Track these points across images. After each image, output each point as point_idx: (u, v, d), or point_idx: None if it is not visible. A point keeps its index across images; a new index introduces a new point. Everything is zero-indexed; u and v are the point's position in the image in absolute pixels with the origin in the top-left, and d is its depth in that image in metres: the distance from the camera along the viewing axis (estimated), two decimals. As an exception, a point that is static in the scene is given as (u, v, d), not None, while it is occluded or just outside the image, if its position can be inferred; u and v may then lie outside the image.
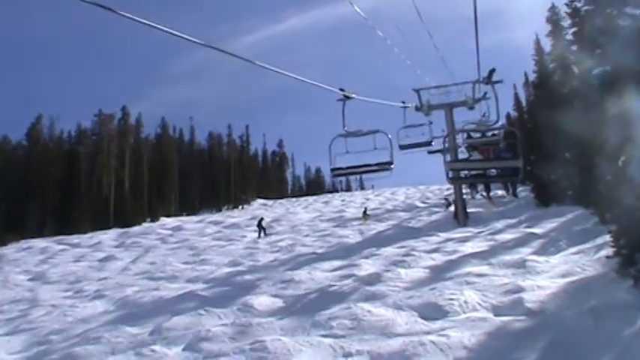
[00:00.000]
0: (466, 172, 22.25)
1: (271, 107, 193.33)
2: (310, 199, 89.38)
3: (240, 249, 32.38)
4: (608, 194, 25.89)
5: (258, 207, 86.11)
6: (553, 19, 42.07)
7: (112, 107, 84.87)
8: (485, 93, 31.05)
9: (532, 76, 47.16)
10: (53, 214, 69.37)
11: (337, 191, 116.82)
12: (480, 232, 28.76)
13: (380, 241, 29.28)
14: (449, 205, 40.66)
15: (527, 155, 42.51)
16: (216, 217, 55.07)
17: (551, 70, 41.42)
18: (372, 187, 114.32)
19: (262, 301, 18.17)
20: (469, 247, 24.00)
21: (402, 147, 33.16)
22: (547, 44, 41.97)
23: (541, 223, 29.38)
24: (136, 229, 48.48)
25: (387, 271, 20.33)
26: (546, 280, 17.17)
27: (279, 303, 17.87)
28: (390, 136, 19.45)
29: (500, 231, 28.46)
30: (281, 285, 20.31)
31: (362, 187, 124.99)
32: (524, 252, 22.06)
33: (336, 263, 23.71)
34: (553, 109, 37.55)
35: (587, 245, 21.23)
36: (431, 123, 34.87)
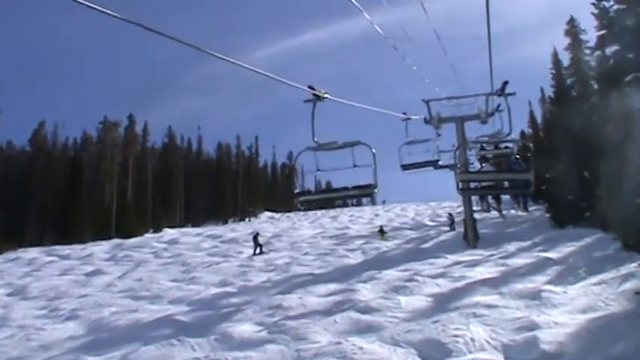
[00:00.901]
0: (477, 183, 23.08)
1: (283, 120, 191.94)
2: (319, 213, 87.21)
3: (233, 267, 30.38)
4: (632, 218, 24.03)
5: (265, 220, 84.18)
6: (572, 31, 40.18)
7: (121, 116, 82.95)
8: (499, 105, 29.08)
9: (549, 91, 44.99)
10: (54, 223, 67.69)
11: (347, 206, 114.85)
12: (490, 256, 26.62)
13: (382, 262, 27.20)
14: (452, 222, 38.33)
15: (542, 173, 41.06)
16: (216, 230, 53.07)
17: (569, 85, 39.51)
18: (384, 202, 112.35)
19: (244, 330, 16.22)
20: (478, 273, 21.89)
21: (405, 167, 31.36)
22: (565, 58, 40.03)
23: (557, 247, 27.22)
24: (131, 241, 46.55)
25: (387, 298, 18.31)
26: (564, 316, 15.14)
27: (261, 333, 15.87)
28: (374, 150, 14.12)
29: (512, 254, 26.31)
30: (268, 311, 18.35)
31: (373, 202, 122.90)
32: (538, 280, 19.98)
33: (332, 287, 21.68)
34: (571, 125, 35.71)
35: (609, 275, 19.10)
36: (439, 135, 33.19)
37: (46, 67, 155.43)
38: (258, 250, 34.40)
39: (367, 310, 17.16)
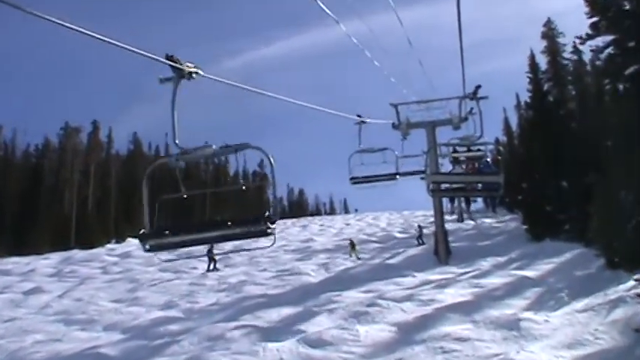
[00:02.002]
0: (447, 185, 22.45)
1: (254, 130, 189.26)
2: (289, 222, 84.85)
3: (183, 285, 27.76)
4: (617, 232, 21.93)
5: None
6: (549, 33, 38.33)
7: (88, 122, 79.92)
8: (472, 109, 27.17)
9: (525, 97, 43.06)
10: (12, 232, 64.36)
11: (320, 214, 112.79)
12: (463, 274, 24.38)
13: (345, 281, 24.76)
14: (420, 235, 35.80)
15: (518, 182, 39.14)
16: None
17: (547, 90, 37.58)
18: (356, 210, 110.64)
19: (173, 368, 13.74)
20: (449, 296, 19.54)
21: (355, 180, 26.26)
22: (542, 62, 38.13)
23: (535, 263, 25.09)
24: (81, 254, 43.64)
25: (344, 328, 15.89)
26: (547, 352, 13.07)
27: (190, 375, 13.41)
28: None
29: (487, 273, 24.07)
30: (206, 343, 15.88)
31: (346, 211, 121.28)
32: (516, 305, 17.73)
33: (286, 311, 19.24)
34: (549, 131, 33.90)
35: (596, 300, 16.93)
36: (404, 139, 29.62)
37: (8, 71, 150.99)
38: (212, 266, 31.77)
39: (319, 343, 14.80)
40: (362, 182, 26.22)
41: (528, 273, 22.75)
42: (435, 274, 24.70)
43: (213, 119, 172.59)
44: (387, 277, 24.34)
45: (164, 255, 8.73)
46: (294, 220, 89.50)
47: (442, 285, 21.88)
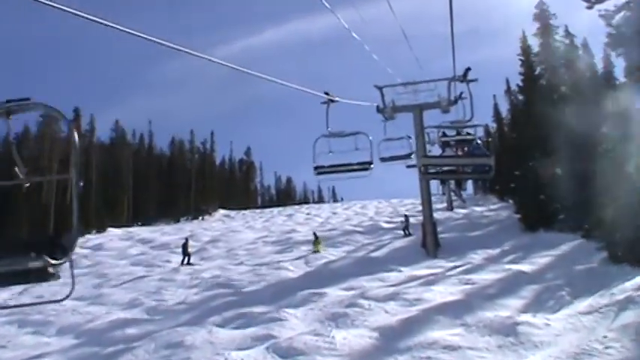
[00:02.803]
0: (439, 168, 23.30)
1: (242, 117, 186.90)
2: (275, 210, 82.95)
3: (153, 281, 25.68)
4: (620, 222, 20.23)
5: (219, 218, 79.62)
6: (542, 15, 36.47)
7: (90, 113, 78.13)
8: (462, 93, 25.81)
9: (515, 81, 41.33)
10: (-13, 224, 62.21)
11: (308, 202, 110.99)
12: (452, 268, 22.60)
13: (325, 277, 22.85)
14: (406, 226, 34.21)
15: (510, 170, 37.49)
16: (150, 233, 48.01)
17: (539, 73, 35.84)
18: (342, 199, 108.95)
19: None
20: (437, 294, 17.74)
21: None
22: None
23: (530, 257, 23.44)
24: (51, 246, 41.58)
25: (318, 334, 14.05)
26: (552, 363, 11.23)
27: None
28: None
29: (478, 267, 22.30)
30: (164, 351, 14.03)
31: (335, 199, 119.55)
32: (512, 305, 15.98)
33: (257, 312, 17.36)
34: (542, 115, 32.23)
35: (601, 300, 15.17)
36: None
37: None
38: (186, 260, 29.83)
39: (290, 352, 13.00)
40: (328, 172, 22.84)
41: (523, 267, 21.07)
42: (422, 269, 22.91)
43: (201, 108, 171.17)
44: (370, 272, 22.47)
45: None
46: (280, 208, 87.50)
47: (430, 282, 20.08)
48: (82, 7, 5.79)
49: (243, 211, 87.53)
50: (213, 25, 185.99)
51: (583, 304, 15.14)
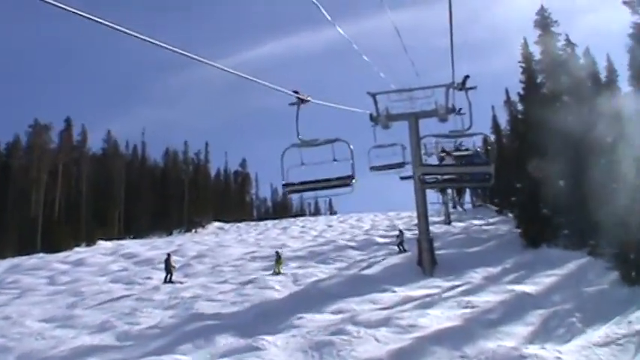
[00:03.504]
0: (437, 176, 22.19)
1: (237, 129, 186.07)
2: (270, 223, 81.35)
3: (130, 300, 23.88)
4: (633, 239, 18.69)
5: (213, 231, 78.03)
6: (543, 22, 35.01)
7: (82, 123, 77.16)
8: (460, 109, 24.46)
9: (514, 91, 40.02)
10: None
11: (304, 215, 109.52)
12: (450, 289, 20.91)
13: (313, 297, 21.04)
14: (401, 242, 32.49)
15: (510, 182, 36.01)
16: (139, 247, 45.95)
17: (540, 81, 34.39)
18: (335, 213, 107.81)
19: None
20: (434, 319, 16.04)
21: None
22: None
23: (534, 275, 21.82)
24: (31, 261, 39.37)
25: (299, 368, 12.37)
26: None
27: None
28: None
29: (478, 288, 20.60)
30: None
31: (331, 211, 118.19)
32: (517, 333, 14.34)
33: (234, 341, 15.67)
34: (543, 125, 30.75)
35: (618, 329, 13.59)
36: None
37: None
38: (168, 277, 28.06)
39: (265, 391, 11.27)
40: (300, 190, 18.68)
41: (527, 288, 19.44)
42: (417, 289, 21.20)
43: (197, 119, 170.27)
44: (362, 293, 20.70)
45: None
46: (275, 221, 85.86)
47: (426, 304, 18.35)
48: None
49: (238, 224, 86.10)
50: (212, 38, 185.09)
51: (597, 333, 13.51)
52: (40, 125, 72.14)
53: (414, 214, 29.04)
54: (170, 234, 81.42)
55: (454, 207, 68.89)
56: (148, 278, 29.29)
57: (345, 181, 16.94)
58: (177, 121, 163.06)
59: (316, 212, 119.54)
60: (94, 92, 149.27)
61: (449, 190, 50.74)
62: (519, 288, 19.47)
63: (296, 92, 13.39)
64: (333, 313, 18.30)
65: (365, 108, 26.96)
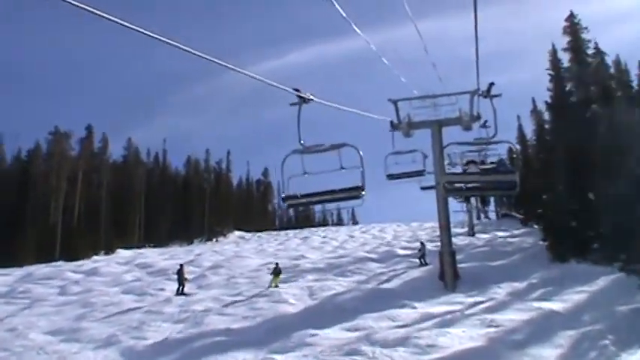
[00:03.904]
0: (462, 185, 21.38)
1: (260, 138, 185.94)
2: (291, 233, 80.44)
3: (139, 313, 23.02)
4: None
5: (234, 240, 77.38)
6: (573, 29, 33.86)
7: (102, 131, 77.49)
8: (486, 121, 23.61)
9: (541, 100, 39.06)
10: (-1, 243, 60.16)
11: (326, 224, 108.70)
12: (473, 305, 19.83)
13: (329, 312, 20.08)
14: (423, 255, 31.21)
15: (537, 194, 34.87)
16: (158, 256, 45.22)
17: (569, 89, 33.22)
18: (357, 223, 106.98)
19: None
20: (455, 339, 15.02)
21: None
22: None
23: (562, 292, 20.64)
24: (44, 270, 38.71)
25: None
26: None
27: None
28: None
29: (503, 305, 19.46)
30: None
31: (354, 221, 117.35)
32: (546, 356, 13.38)
33: (241, 358, 14.74)
34: (573, 135, 29.74)
35: (656, 354, 12.37)
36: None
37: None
38: (180, 289, 27.16)
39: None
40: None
41: (555, 306, 18.32)
42: (438, 305, 20.12)
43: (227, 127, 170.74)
44: (380, 308, 19.66)
45: None
46: (296, 231, 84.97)
47: (447, 322, 17.29)
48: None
49: (259, 233, 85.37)
50: (235, 47, 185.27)
51: (633, 358, 12.39)
52: (60, 132, 71.96)
53: (437, 225, 27.94)
54: (191, 243, 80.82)
55: (478, 217, 67.63)
56: (161, 289, 28.42)
57: (353, 193, 14.42)
58: (200, 129, 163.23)
59: (339, 222, 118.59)
60: (117, 101, 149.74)
61: (472, 200, 49.46)
62: (546, 305, 18.38)
63: (297, 90, 11.35)
64: (348, 330, 17.32)
65: (388, 117, 26.02)
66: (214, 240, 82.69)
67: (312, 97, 11.77)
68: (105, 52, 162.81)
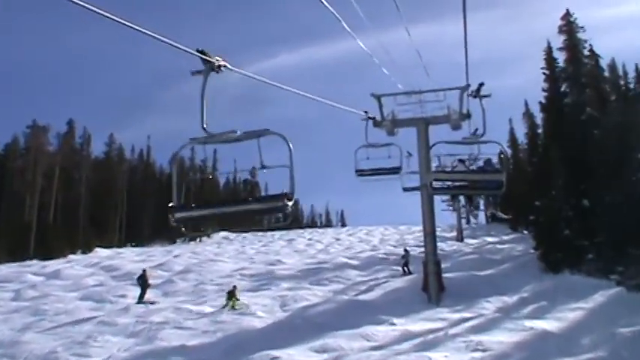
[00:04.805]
0: (449, 183, 21.65)
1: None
2: (277, 234, 78.55)
3: (92, 324, 20.78)
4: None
5: (218, 241, 75.38)
6: (568, 28, 32.21)
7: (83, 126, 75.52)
8: (476, 129, 21.90)
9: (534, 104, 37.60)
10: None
11: (315, 226, 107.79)
12: (459, 323, 17.83)
13: (297, 328, 17.98)
14: (406, 263, 29.46)
15: (529, 200, 33.21)
16: (126, 258, 43.29)
17: (564, 91, 31.57)
18: (345, 225, 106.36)
19: None
20: (436, 365, 12.99)
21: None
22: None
23: (555, 308, 18.87)
24: (3, 272, 36.56)
25: None
26: None
27: None
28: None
29: (491, 323, 17.50)
30: None
31: (343, 223, 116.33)
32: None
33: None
34: (568, 138, 28.29)
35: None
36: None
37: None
38: (142, 296, 24.95)
39: None
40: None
41: (549, 325, 16.46)
42: (420, 322, 18.11)
43: (212, 125, 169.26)
44: (355, 324, 17.56)
45: None
46: (283, 232, 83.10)
47: (428, 344, 15.29)
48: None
49: (244, 234, 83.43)
50: (224, 48, 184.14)
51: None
52: (38, 126, 69.70)
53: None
54: (173, 243, 78.71)
55: (467, 222, 65.90)
56: (122, 296, 26.26)
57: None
58: (187, 128, 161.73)
59: (327, 224, 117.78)
60: (104, 99, 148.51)
61: (462, 202, 47.61)
62: (539, 325, 16.46)
63: (202, 53, 7.29)
64: (316, 351, 15.24)
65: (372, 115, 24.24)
66: (198, 240, 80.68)
67: (224, 62, 8.02)
68: (96, 49, 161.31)
